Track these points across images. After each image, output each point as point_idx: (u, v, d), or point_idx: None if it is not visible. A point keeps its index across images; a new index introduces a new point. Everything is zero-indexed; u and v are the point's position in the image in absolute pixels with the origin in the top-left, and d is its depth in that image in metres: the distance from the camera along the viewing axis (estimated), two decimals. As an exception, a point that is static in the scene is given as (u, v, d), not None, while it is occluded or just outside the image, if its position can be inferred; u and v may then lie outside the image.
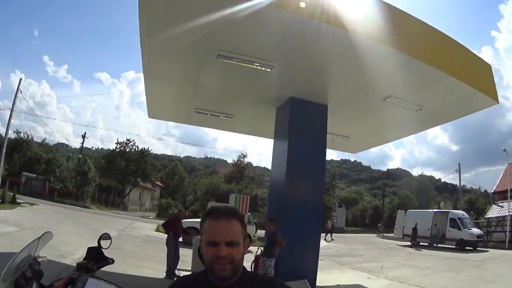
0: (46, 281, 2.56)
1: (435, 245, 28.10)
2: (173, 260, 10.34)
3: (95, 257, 2.83)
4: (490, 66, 8.84)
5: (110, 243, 3.03)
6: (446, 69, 7.42)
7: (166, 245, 10.57)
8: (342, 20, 6.17)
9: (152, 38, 7.04)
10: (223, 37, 6.98)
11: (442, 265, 17.19)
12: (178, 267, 10.65)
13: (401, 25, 7.04)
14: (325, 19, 6.07)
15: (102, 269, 2.85)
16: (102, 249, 2.91)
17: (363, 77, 8.14)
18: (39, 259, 2.62)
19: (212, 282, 1.62)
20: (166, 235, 11.03)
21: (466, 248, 25.59)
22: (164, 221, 12.43)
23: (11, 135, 42.10)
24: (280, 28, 6.50)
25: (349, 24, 6.23)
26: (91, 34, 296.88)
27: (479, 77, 8.38)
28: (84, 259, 2.79)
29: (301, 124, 9.65)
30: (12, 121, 32.55)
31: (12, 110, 31.79)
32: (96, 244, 2.91)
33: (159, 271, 10.60)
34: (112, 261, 2.94)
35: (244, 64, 7.75)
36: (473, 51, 8.54)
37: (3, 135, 33.45)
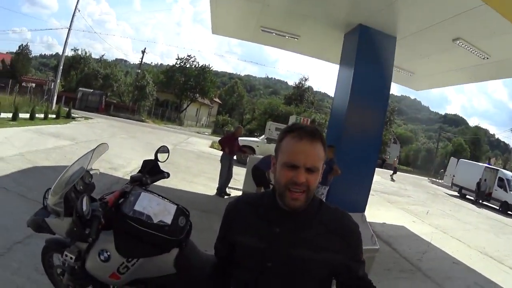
0: (97, 194, 2.51)
1: (480, 201, 27.05)
2: (225, 177, 10.38)
3: (150, 170, 2.73)
4: None
5: (168, 157, 2.91)
6: None
7: (221, 161, 10.56)
8: None
9: None
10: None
11: (483, 223, 16.72)
12: (229, 185, 10.73)
13: None
14: None
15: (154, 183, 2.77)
16: (159, 162, 2.81)
17: (435, 14, 7.75)
18: (91, 172, 2.57)
19: (278, 205, 1.55)
20: (220, 152, 11.07)
21: (508, 212, 24.41)
22: (220, 137, 12.42)
23: (68, 53, 43.00)
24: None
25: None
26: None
27: None
28: (139, 172, 2.70)
29: (369, 53, 9.31)
30: (70, 39, 33.12)
31: (70, 29, 32.17)
32: (151, 158, 2.81)
33: (210, 188, 10.71)
34: (168, 175, 2.85)
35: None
36: None
37: (61, 53, 34.05)
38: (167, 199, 2.43)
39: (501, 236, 14.13)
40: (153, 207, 2.29)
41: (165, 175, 2.82)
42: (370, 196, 9.92)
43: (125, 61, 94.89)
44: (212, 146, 25.12)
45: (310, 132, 1.49)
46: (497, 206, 25.48)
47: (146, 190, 2.48)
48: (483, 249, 10.55)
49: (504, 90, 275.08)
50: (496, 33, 7.80)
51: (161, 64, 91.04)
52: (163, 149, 2.91)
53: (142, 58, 52.20)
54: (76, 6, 32.26)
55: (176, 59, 55.33)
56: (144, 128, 31.28)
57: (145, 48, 51.22)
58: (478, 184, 27.18)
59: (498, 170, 29.06)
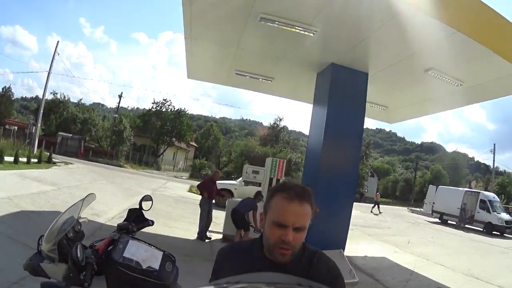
0: (84, 240, 2.65)
1: (462, 225, 27.19)
2: (205, 221, 10.45)
3: (136, 218, 2.89)
4: None
5: (151, 205, 3.08)
6: (492, 46, 7.15)
7: (200, 206, 10.66)
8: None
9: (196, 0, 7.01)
10: (268, 0, 6.89)
11: (467, 246, 16.93)
12: (210, 228, 10.78)
13: None
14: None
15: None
16: (143, 211, 2.97)
17: (406, 47, 7.96)
18: (80, 220, 2.70)
19: (266, 256, 1.58)
20: (198, 196, 11.16)
21: (493, 232, 24.91)
22: (199, 182, 12.52)
23: (48, 96, 43.16)
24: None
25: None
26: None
27: None
28: (125, 220, 2.86)
29: (341, 91, 9.56)
30: (49, 83, 33.38)
31: (49, 72, 32.63)
32: (131, 203, 2.97)
33: (191, 232, 10.78)
34: (152, 223, 3.00)
35: (287, 28, 7.67)
36: None
37: (41, 96, 34.33)
38: (154, 246, 2.59)
39: (487, 257, 14.31)
40: (141, 254, 2.44)
41: (149, 223, 2.98)
42: (350, 231, 9.98)
43: (102, 105, 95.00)
44: (190, 191, 25.15)
45: (300, 194, 1.52)
46: (480, 228, 25.82)
47: (133, 237, 2.64)
48: (469, 271, 10.69)
49: (481, 112, 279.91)
50: (469, 59, 7.96)
51: (137, 108, 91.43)
52: (147, 198, 3.08)
53: (119, 103, 52.28)
54: (55, 49, 32.97)
55: (152, 103, 55.90)
56: (123, 173, 31.21)
57: (122, 93, 51.66)
58: (463, 209, 27.51)
59: (479, 192, 29.54)
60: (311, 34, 7.84)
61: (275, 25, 7.57)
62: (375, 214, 29.41)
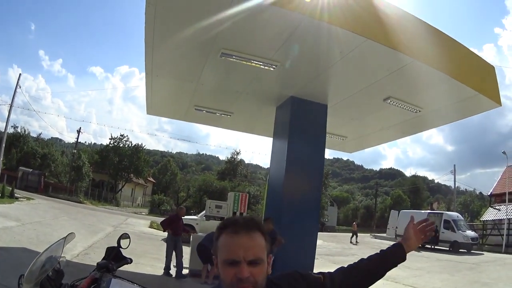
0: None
1: (427, 246, 27.80)
2: (171, 257, 10.42)
3: (114, 257, 2.90)
4: (493, 68, 8.77)
5: (129, 243, 3.10)
6: (448, 71, 7.38)
7: (166, 242, 10.68)
8: (346, 20, 6.18)
9: (157, 35, 7.03)
10: (229, 36, 6.96)
11: (435, 266, 17.25)
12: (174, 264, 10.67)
13: (403, 26, 6.96)
14: (326, 19, 6.05)
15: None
16: (121, 249, 2.98)
17: (365, 78, 8.15)
18: (59, 259, 2.69)
19: None
20: (160, 232, 11.11)
21: (460, 250, 25.58)
22: (162, 219, 12.47)
23: (9, 129, 42.27)
24: (285, 28, 6.48)
25: (352, 24, 6.24)
26: (85, 28, 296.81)
27: (481, 79, 8.34)
28: (104, 258, 2.86)
29: (301, 123, 9.63)
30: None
31: (11, 105, 32.51)
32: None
33: (157, 268, 10.74)
34: (131, 261, 3.02)
35: (248, 63, 7.74)
36: (475, 52, 8.54)
37: (2, 130, 33.58)
38: (137, 284, 2.60)
39: (455, 274, 14.69)
40: (125, 292, 2.45)
41: (128, 260, 2.99)
42: (315, 260, 9.97)
43: (60, 140, 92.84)
44: (151, 226, 25.18)
45: (245, 224, 1.44)
46: (446, 247, 26.51)
47: (115, 276, 2.63)
48: None
49: (439, 135, 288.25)
50: (427, 85, 8.14)
51: (94, 143, 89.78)
52: (125, 236, 3.11)
53: (77, 138, 51.56)
54: (17, 82, 32.99)
55: (110, 138, 55.78)
56: (83, 209, 30.78)
57: (80, 128, 50.40)
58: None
59: (442, 213, 30.62)
60: (271, 69, 7.92)
61: (236, 60, 7.62)
62: (354, 244, 29.61)
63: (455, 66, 7.69)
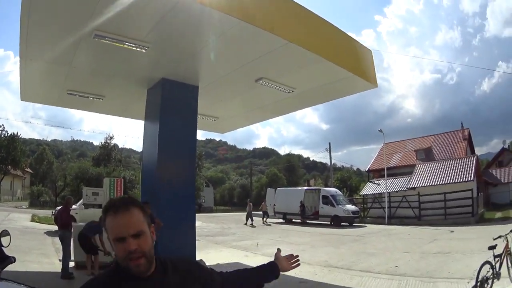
0: None
1: (307, 221, 29.14)
2: (70, 256, 9.63)
3: None
4: (370, 51, 9.33)
5: (10, 240, 2.85)
6: (322, 53, 7.68)
7: (62, 240, 9.61)
8: (219, 2, 6.19)
9: (33, 15, 6.57)
10: (102, 16, 6.66)
11: (319, 240, 17.95)
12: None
13: (278, 8, 7.19)
14: (199, 0, 6.07)
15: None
16: (3, 247, 2.73)
17: (236, 60, 8.29)
18: None
19: (133, 276, 1.59)
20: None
21: (342, 224, 26.75)
22: (55, 216, 11.82)
23: None
24: (157, 9, 6.41)
25: (226, 6, 6.28)
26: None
27: (357, 61, 8.84)
28: None
29: (173, 105, 9.61)
30: None
31: None
32: None
33: (45, 264, 10.34)
34: (14, 260, 2.81)
35: (121, 45, 7.53)
36: (352, 36, 8.97)
37: None
38: (24, 284, 2.41)
39: (340, 246, 15.38)
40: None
41: (11, 259, 2.78)
42: (197, 242, 10.06)
43: None
44: (33, 220, 23.75)
45: (122, 204, 1.60)
46: (327, 222, 27.77)
47: (1, 278, 2.41)
48: (326, 262, 11.41)
49: (313, 114, 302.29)
50: (300, 66, 8.39)
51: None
52: (5, 233, 2.86)
53: None
54: None
55: (-16, 129, 50.69)
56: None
57: None
58: (302, 205, 29.36)
59: (320, 189, 31.96)
60: (143, 50, 7.78)
61: (109, 41, 7.39)
62: (268, 225, 29.23)
63: (330, 48, 8.06)
